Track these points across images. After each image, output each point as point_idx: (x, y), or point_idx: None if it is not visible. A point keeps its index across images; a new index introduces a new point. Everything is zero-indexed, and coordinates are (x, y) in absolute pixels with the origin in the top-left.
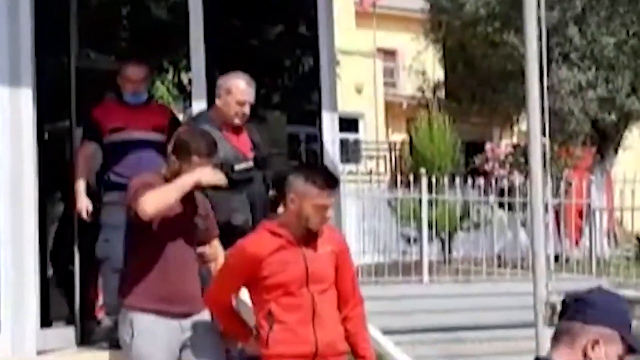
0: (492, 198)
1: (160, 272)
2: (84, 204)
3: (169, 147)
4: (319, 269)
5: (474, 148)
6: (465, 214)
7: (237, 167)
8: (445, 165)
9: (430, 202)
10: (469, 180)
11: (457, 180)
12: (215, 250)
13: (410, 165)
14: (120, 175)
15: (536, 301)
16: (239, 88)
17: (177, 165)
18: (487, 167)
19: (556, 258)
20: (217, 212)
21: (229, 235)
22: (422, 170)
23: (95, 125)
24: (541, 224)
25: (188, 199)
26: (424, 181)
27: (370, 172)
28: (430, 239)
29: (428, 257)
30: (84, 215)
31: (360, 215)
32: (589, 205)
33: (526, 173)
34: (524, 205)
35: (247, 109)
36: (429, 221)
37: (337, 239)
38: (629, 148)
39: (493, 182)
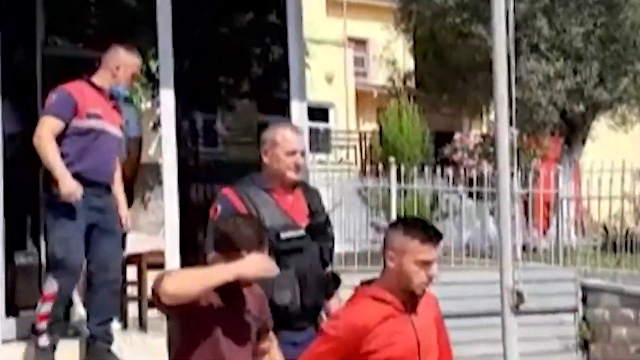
0: (461, 188)
1: None
2: (73, 186)
3: (208, 242)
4: (428, 339)
5: (443, 138)
6: (435, 204)
7: (283, 235)
8: (414, 155)
9: (399, 192)
10: (438, 170)
11: (427, 169)
12: (270, 344)
13: (380, 155)
14: (91, 170)
15: (503, 290)
16: (287, 137)
17: (221, 262)
18: (456, 157)
19: (524, 248)
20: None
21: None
22: (392, 160)
23: (71, 103)
24: (508, 213)
25: (233, 295)
26: (393, 171)
27: (341, 162)
28: None
29: None
30: (75, 198)
31: (330, 205)
32: (556, 195)
33: (495, 163)
34: (493, 195)
35: (301, 160)
36: (398, 210)
37: (434, 302)
38: (596, 138)
39: (462, 171)
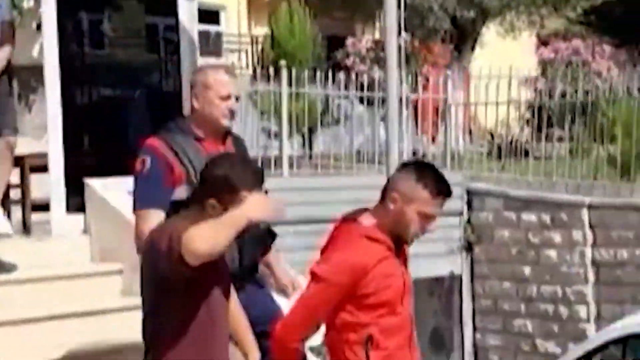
0: (353, 93)
1: (208, 341)
2: None
3: (196, 191)
4: (409, 282)
5: (335, 43)
6: (326, 109)
7: None
8: (306, 59)
9: (290, 96)
10: (330, 75)
11: (318, 74)
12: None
13: (271, 59)
14: None
15: None
16: (221, 79)
17: (219, 209)
18: (348, 62)
19: (414, 153)
20: None
21: None
22: (283, 63)
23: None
24: (396, 117)
25: None
26: (284, 74)
27: (232, 66)
28: (290, 134)
29: (289, 151)
30: None
31: None
32: (445, 101)
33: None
34: (384, 101)
35: (235, 105)
36: (289, 116)
37: (405, 248)
38: (485, 45)
39: (354, 77)
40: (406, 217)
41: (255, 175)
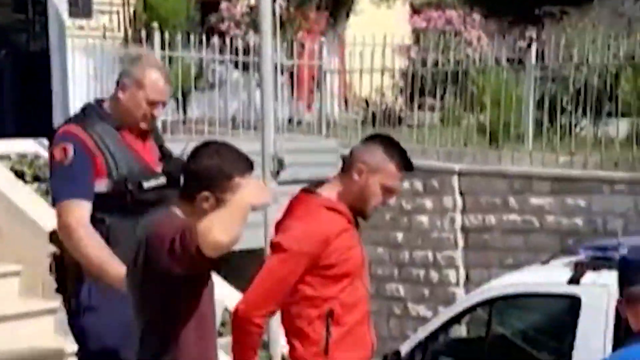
0: (228, 58)
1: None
2: None
3: (185, 186)
4: (366, 258)
5: (209, 6)
6: (200, 74)
7: (146, 185)
8: (180, 22)
9: (164, 59)
10: (205, 39)
11: (192, 38)
12: None
13: (144, 22)
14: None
15: (264, 156)
16: (156, 84)
17: (213, 201)
18: (223, 26)
19: (290, 121)
20: (118, 248)
21: None
22: (155, 25)
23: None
24: (271, 84)
25: None
26: (157, 37)
27: (104, 28)
28: None
29: (163, 116)
30: None
31: (92, 74)
32: (320, 68)
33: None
34: (260, 66)
35: (159, 112)
36: None
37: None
38: (360, 12)
39: (229, 41)
40: (370, 189)
41: (245, 161)
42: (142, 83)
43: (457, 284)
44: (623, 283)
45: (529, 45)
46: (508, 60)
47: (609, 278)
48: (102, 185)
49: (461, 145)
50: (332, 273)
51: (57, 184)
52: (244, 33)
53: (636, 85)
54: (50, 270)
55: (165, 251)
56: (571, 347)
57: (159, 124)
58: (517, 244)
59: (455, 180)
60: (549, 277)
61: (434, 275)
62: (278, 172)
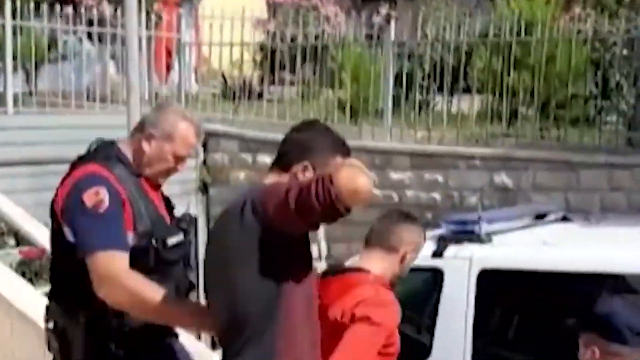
0: (81, 28)
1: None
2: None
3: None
4: None
5: None
6: (53, 45)
7: (169, 242)
8: None
9: (15, 29)
10: (57, 9)
11: (44, 7)
12: None
13: None
14: None
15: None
16: (187, 138)
17: (310, 172)
18: None
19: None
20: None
21: None
22: None
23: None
24: (136, 57)
25: None
26: (9, 6)
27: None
28: (15, 69)
29: (12, 88)
30: None
31: None
32: (179, 41)
33: (115, 4)
34: (114, 37)
35: (183, 167)
36: (14, 51)
37: None
38: None
39: (82, 11)
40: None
41: (342, 140)
42: (172, 136)
43: (319, 258)
44: (604, 334)
45: (388, 22)
46: (367, 36)
47: (471, 251)
48: (128, 239)
49: (321, 121)
50: (390, 350)
51: (90, 233)
52: (97, 3)
53: (489, 63)
54: (49, 347)
55: (280, 202)
56: (434, 320)
57: (9, 94)
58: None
59: None
60: None
61: None
62: None
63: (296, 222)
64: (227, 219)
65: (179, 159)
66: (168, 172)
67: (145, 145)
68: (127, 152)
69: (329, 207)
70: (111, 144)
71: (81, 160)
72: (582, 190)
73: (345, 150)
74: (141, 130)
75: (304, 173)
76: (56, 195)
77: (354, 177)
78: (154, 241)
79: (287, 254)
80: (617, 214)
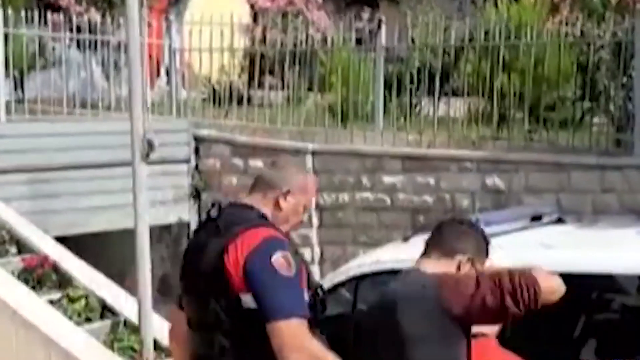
0: (70, 35)
1: None
2: None
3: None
4: None
5: None
6: (41, 52)
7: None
8: None
9: (7, 37)
10: (45, 16)
11: (34, 14)
12: None
13: None
14: None
15: (134, 138)
16: (313, 190)
17: (468, 266)
18: (63, 2)
19: None
20: None
21: None
22: None
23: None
24: (138, 62)
25: None
26: (0, 14)
27: None
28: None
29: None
30: None
31: None
32: (170, 47)
33: (103, 11)
34: (102, 44)
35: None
36: (6, 58)
37: None
38: None
39: (70, 18)
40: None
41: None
42: (306, 189)
43: (312, 261)
44: None
45: (379, 26)
46: (357, 41)
47: None
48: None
49: (311, 125)
50: None
51: (281, 299)
52: (85, 10)
53: (478, 66)
54: None
55: (469, 295)
56: None
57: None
58: (370, 222)
59: (308, 159)
60: (412, 253)
61: None
62: (148, 154)
63: (490, 320)
64: (401, 308)
65: (306, 208)
66: (299, 225)
67: (283, 202)
68: (266, 211)
69: (530, 309)
70: (241, 207)
71: (254, 225)
72: (573, 191)
73: (487, 251)
74: (269, 188)
75: (464, 266)
76: (220, 263)
77: (552, 282)
78: (319, 293)
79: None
80: (610, 216)
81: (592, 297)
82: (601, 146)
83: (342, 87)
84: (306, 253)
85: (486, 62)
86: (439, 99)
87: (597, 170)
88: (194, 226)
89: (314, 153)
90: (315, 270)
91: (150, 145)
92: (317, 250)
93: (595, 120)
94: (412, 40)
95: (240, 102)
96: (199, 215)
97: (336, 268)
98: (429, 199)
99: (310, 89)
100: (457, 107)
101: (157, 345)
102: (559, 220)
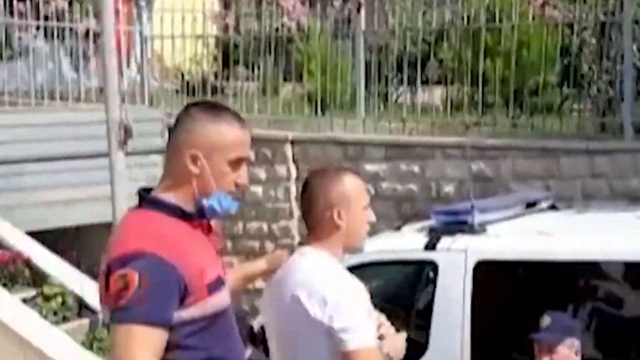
0: (36, 23)
1: None
2: None
3: None
4: None
5: None
6: (7, 42)
7: None
8: None
9: None
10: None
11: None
12: None
13: None
14: None
15: (110, 126)
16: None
17: None
18: None
19: (101, 90)
20: None
21: None
22: None
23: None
24: (113, 50)
25: None
26: None
27: None
28: None
29: None
30: None
31: None
32: (141, 34)
33: None
34: (70, 32)
35: None
36: None
37: None
38: None
39: (37, 7)
40: None
41: None
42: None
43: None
44: None
45: (358, 10)
46: (335, 26)
47: (466, 242)
48: None
49: (288, 114)
50: None
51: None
52: None
53: (459, 51)
54: None
55: None
56: (430, 313)
57: None
58: None
59: (288, 148)
60: (404, 243)
61: (270, 246)
62: (125, 141)
63: None
64: None
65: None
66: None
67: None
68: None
69: None
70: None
71: None
72: (563, 177)
73: None
74: None
75: None
76: None
77: None
78: None
79: None
80: (600, 201)
81: (591, 285)
82: (587, 131)
83: (320, 75)
84: (287, 245)
85: (468, 46)
86: (422, 84)
87: (586, 156)
88: None
89: (293, 142)
90: None
91: (127, 132)
92: (297, 241)
93: (577, 105)
94: (391, 25)
95: (213, 92)
96: None
97: None
98: (413, 187)
99: (285, 78)
100: (439, 94)
101: None
102: (553, 207)
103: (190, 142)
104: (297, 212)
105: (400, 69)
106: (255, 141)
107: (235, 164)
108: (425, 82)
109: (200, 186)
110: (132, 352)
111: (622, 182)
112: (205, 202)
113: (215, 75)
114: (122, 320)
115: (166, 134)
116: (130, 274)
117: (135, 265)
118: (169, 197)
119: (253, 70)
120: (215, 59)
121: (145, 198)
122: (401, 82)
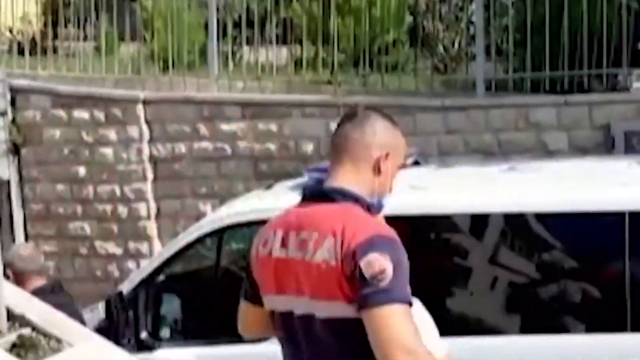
0: None
1: None
2: None
3: None
4: None
5: None
6: None
7: None
8: None
9: None
10: None
11: None
12: None
13: None
14: None
15: None
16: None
17: None
18: None
19: None
20: None
21: None
22: None
23: None
24: None
25: None
26: None
27: None
28: None
29: None
30: None
31: None
32: None
33: None
34: None
35: None
36: None
37: None
38: None
39: None
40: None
41: None
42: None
43: (148, 217)
44: None
45: None
46: None
47: None
48: None
49: (136, 73)
50: None
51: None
52: None
53: (310, 10)
54: None
55: None
56: None
57: None
58: (209, 172)
59: (140, 108)
60: (276, 202)
61: (122, 210)
62: None
63: None
64: None
65: (401, 167)
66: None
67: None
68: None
69: None
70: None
71: None
72: (418, 134)
73: None
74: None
75: None
76: None
77: None
78: None
79: None
80: (456, 157)
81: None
82: (436, 89)
83: (166, 32)
84: (141, 208)
85: (317, 4)
86: (271, 44)
87: (441, 112)
88: (13, 184)
89: (145, 102)
90: (152, 226)
91: None
92: (152, 205)
93: (420, 64)
94: None
95: (45, 52)
96: (19, 172)
97: (175, 223)
98: (272, 146)
99: (122, 38)
100: (287, 53)
101: (10, 315)
102: (417, 163)
103: (380, 144)
104: (150, 174)
105: (241, 27)
106: (105, 101)
107: (400, 168)
108: (269, 43)
109: (380, 185)
110: (406, 330)
111: (475, 137)
112: (381, 201)
113: (46, 35)
114: (385, 302)
115: (8, 95)
116: (383, 257)
117: (384, 248)
118: (359, 192)
119: (85, 29)
120: (48, 17)
121: (341, 192)
122: (241, 41)
